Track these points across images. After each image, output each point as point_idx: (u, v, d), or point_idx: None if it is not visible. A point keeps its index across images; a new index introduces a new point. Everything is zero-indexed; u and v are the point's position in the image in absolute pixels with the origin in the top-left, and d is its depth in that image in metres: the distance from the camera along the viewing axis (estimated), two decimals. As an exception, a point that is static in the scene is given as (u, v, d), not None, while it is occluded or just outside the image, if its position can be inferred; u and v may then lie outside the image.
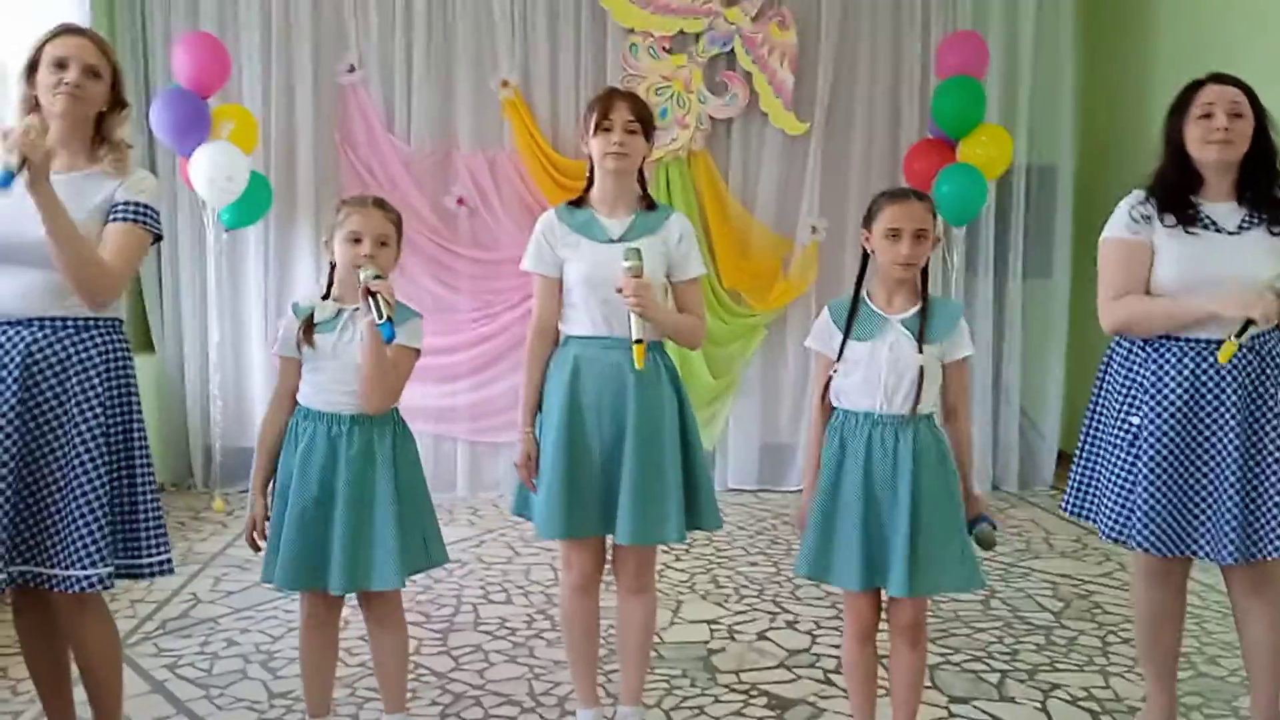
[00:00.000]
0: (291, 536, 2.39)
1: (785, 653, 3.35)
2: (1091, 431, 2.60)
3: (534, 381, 2.60)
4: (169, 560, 2.35)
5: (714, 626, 3.57)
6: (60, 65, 2.24)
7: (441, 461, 5.44)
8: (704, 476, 2.62)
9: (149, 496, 2.32)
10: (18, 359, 2.19)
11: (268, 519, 2.48)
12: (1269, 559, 2.35)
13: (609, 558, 2.66)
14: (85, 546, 2.17)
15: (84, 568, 2.17)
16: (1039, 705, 2.96)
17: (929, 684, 3.03)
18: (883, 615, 2.49)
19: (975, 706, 2.95)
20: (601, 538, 2.60)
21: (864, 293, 2.48)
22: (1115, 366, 2.55)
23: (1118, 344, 2.56)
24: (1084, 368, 5.90)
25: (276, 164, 5.31)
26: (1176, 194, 2.44)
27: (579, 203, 2.62)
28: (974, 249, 5.60)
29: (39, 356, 2.20)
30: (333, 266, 2.52)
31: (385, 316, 2.28)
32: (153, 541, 2.32)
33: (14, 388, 2.18)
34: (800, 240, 5.56)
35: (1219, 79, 2.46)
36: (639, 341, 2.40)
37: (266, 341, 5.33)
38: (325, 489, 2.39)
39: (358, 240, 2.42)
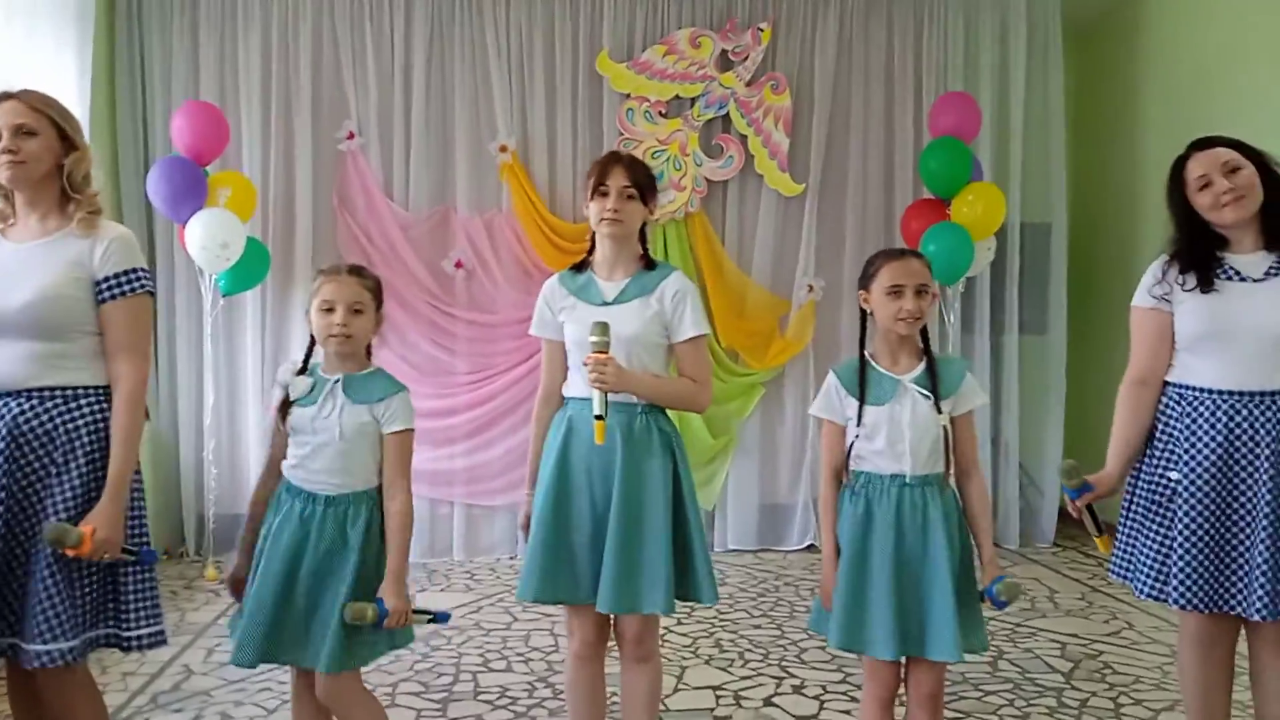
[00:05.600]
0: (251, 609, 2.34)
1: (792, 719, 3.27)
2: (1134, 490, 2.59)
3: (537, 444, 2.62)
4: (160, 632, 2.30)
5: (719, 693, 3.50)
6: None
7: (438, 525, 5.38)
8: (699, 546, 2.54)
9: (133, 567, 2.26)
10: (4, 431, 2.16)
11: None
12: None
13: (612, 625, 2.61)
14: (47, 620, 2.12)
15: (44, 642, 2.11)
16: (1054, 771, 2.90)
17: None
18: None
19: (988, 773, 2.89)
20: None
21: (869, 356, 2.47)
22: (1157, 423, 2.54)
23: (1156, 400, 2.56)
24: (1082, 423, 5.91)
25: (275, 230, 5.32)
26: (1197, 258, 2.45)
27: (582, 266, 2.63)
28: (970, 306, 5.63)
29: (25, 429, 2.17)
30: (312, 340, 2.49)
31: (429, 617, 2.39)
32: (141, 612, 2.26)
33: (0, 460, 2.15)
34: (797, 299, 5.57)
35: (1201, 145, 2.49)
36: (599, 417, 2.37)
37: (261, 407, 5.30)
38: (289, 567, 2.34)
39: (330, 309, 2.40)
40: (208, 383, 5.18)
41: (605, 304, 2.54)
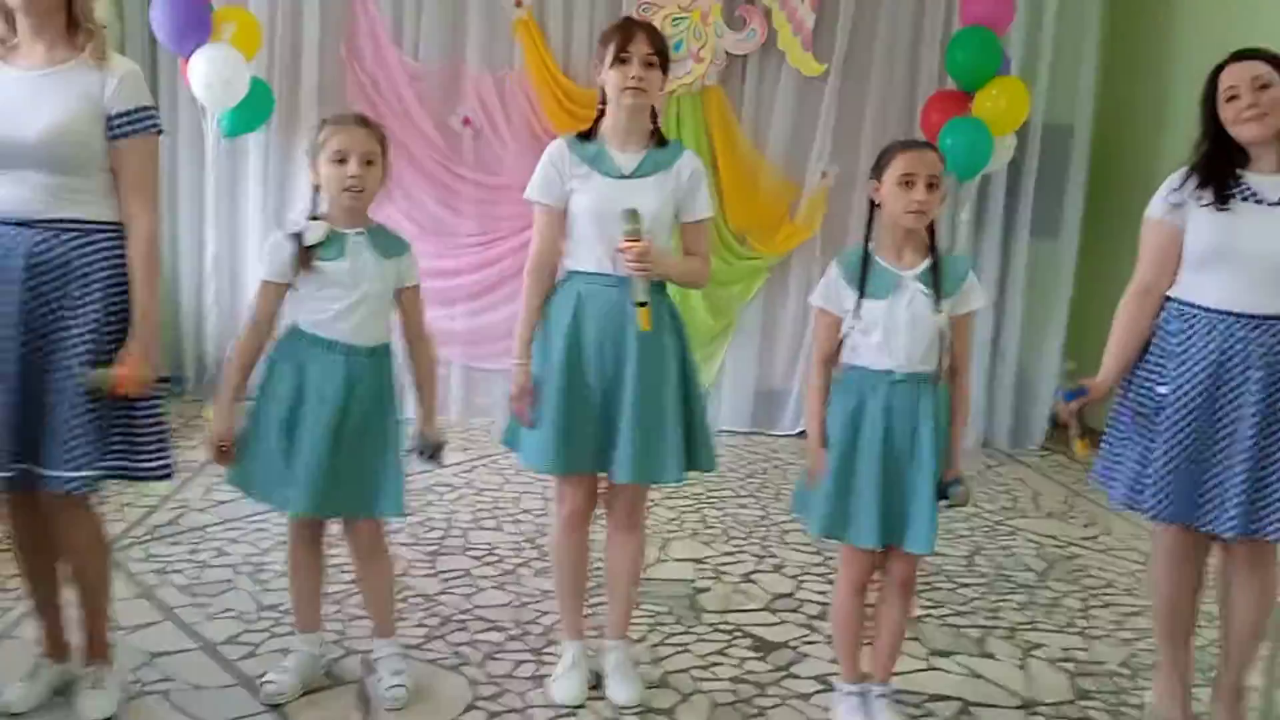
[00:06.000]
0: (282, 458, 2.37)
1: (770, 596, 3.37)
2: (1123, 400, 2.60)
3: (531, 314, 2.54)
4: (168, 465, 2.34)
5: (700, 566, 3.60)
6: None
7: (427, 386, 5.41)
8: (701, 419, 2.59)
9: (148, 400, 2.29)
10: (21, 260, 2.16)
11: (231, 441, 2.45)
12: (1268, 539, 2.36)
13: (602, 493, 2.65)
14: (72, 449, 2.16)
15: (69, 469, 2.16)
16: (1019, 663, 3.00)
17: (911, 636, 3.06)
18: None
19: (955, 660, 2.98)
20: (595, 475, 2.59)
21: (871, 248, 2.44)
22: (1153, 334, 2.53)
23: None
24: (1084, 331, 5.91)
25: (280, 72, 5.20)
26: (1217, 171, 2.41)
27: (589, 135, 2.56)
28: (984, 206, 5.55)
29: (42, 259, 2.17)
30: (316, 188, 2.45)
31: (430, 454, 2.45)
32: (151, 445, 2.30)
33: (18, 289, 2.15)
34: (809, 185, 5.49)
35: (1239, 56, 2.42)
36: (643, 304, 2.38)
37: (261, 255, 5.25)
38: (340, 417, 2.37)
39: (342, 160, 2.35)
40: (209, 227, 5.15)
41: (623, 177, 2.49)
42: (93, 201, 2.22)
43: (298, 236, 2.40)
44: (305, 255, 2.39)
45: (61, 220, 2.19)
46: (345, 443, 2.38)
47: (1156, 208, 2.51)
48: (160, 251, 2.31)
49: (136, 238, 2.25)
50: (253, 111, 4.90)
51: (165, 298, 5.32)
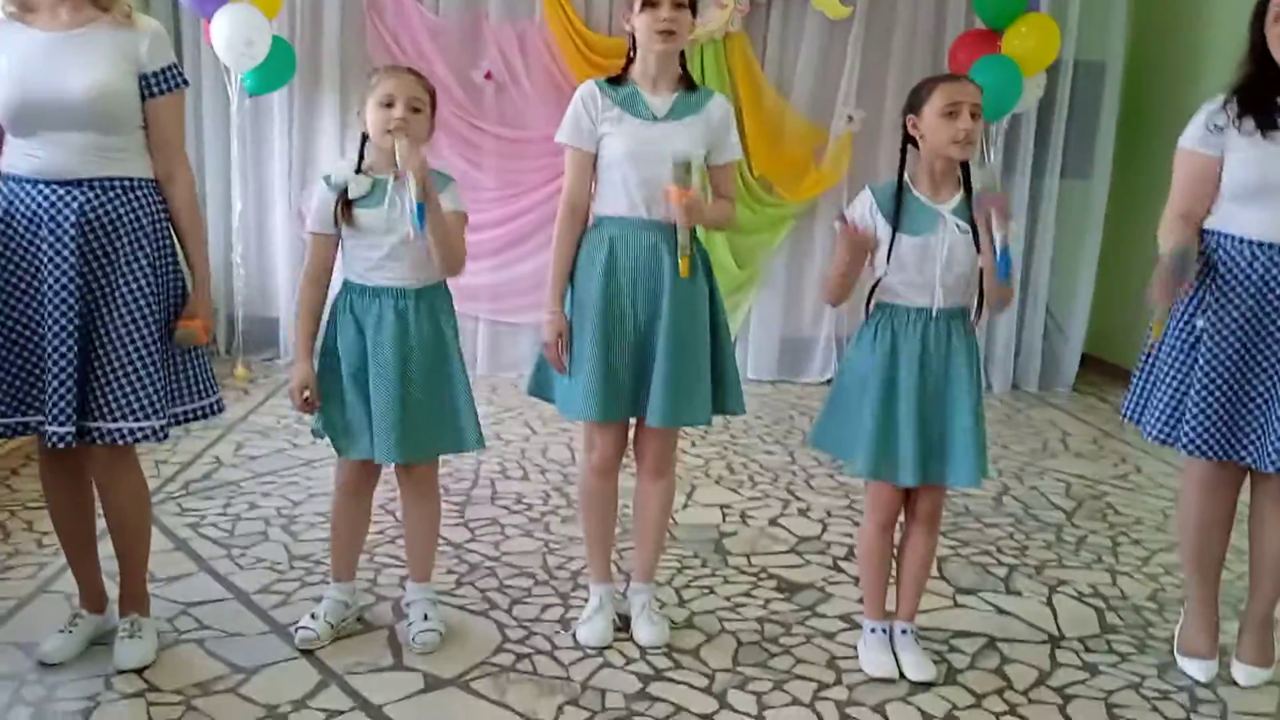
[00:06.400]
0: (362, 408, 2.43)
1: (796, 538, 3.39)
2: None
3: (564, 260, 2.53)
4: (220, 399, 2.45)
5: (727, 511, 3.62)
6: None
7: (462, 339, 5.43)
8: (730, 362, 2.60)
9: (197, 348, 2.39)
10: (73, 218, 2.20)
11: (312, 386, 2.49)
12: None
13: (631, 441, 2.66)
14: (141, 400, 2.23)
15: (138, 419, 2.23)
16: (1044, 600, 3.00)
17: (937, 574, 3.07)
18: None
19: (981, 598, 2.99)
20: (626, 422, 2.60)
21: (908, 181, 2.41)
22: None
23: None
24: (1115, 271, 5.84)
25: (302, 30, 5.19)
26: (1259, 97, 2.34)
27: (619, 79, 2.54)
28: (1013, 145, 5.47)
29: (92, 217, 2.21)
30: (364, 139, 2.47)
31: (417, 203, 2.27)
32: (205, 386, 2.41)
33: (72, 246, 2.20)
34: (835, 130, 5.42)
35: None
36: (686, 254, 2.39)
37: (290, 211, 5.31)
38: (401, 363, 2.41)
39: (389, 105, 2.37)
40: (235, 186, 5.18)
41: (656, 119, 2.47)
42: (132, 159, 2.27)
43: (342, 188, 2.42)
44: (346, 207, 2.42)
45: (107, 178, 2.23)
46: (413, 387, 2.43)
47: (1191, 137, 2.44)
48: (186, 165, 2.38)
49: (180, 193, 2.34)
50: (275, 70, 4.91)
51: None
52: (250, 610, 2.70)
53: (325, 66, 5.26)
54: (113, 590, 2.51)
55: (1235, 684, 2.53)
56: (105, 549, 2.49)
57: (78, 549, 2.49)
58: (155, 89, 2.27)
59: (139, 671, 2.36)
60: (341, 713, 2.25)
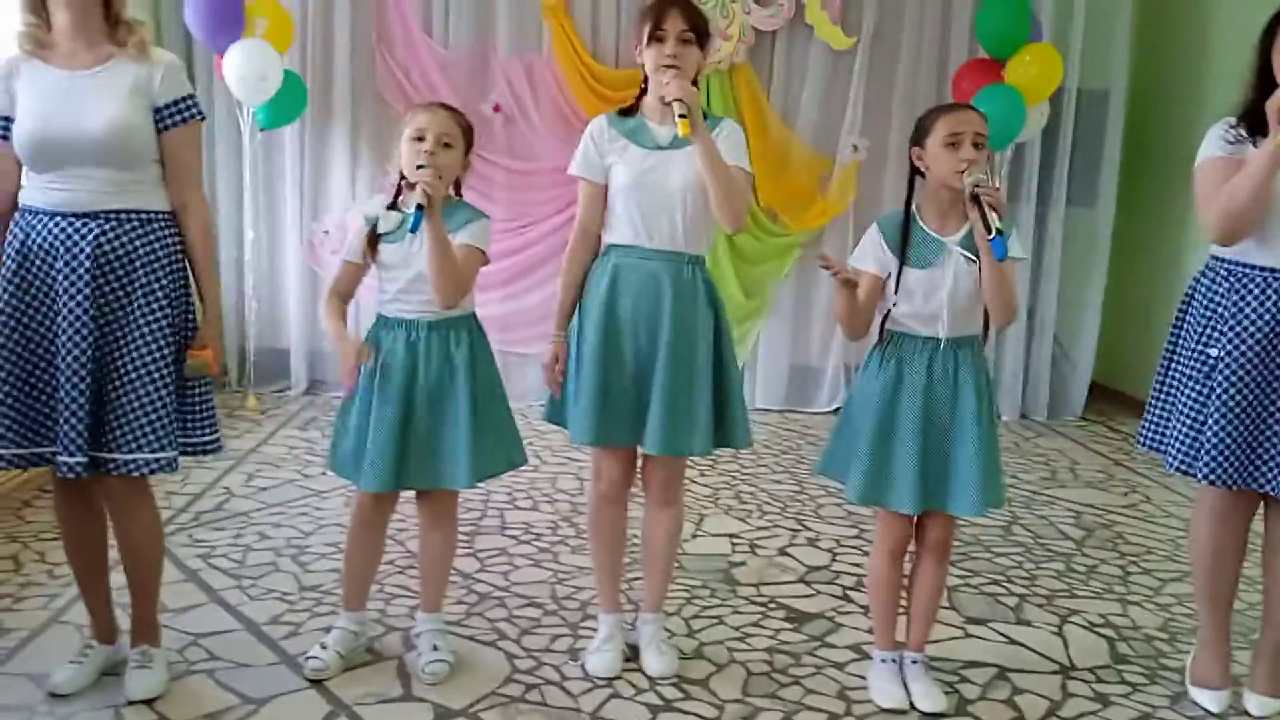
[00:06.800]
0: (371, 438, 2.44)
1: (805, 568, 3.39)
2: (1170, 363, 2.56)
3: (571, 285, 2.59)
4: (218, 439, 2.45)
5: (736, 541, 3.61)
6: None
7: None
8: (737, 394, 2.61)
9: (203, 383, 2.40)
10: (88, 250, 2.23)
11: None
12: None
13: (638, 470, 2.68)
14: (154, 431, 2.25)
15: (152, 451, 2.25)
16: (1055, 630, 2.99)
17: (947, 605, 3.07)
18: None
19: (991, 628, 2.98)
20: (632, 450, 2.62)
21: (915, 212, 2.43)
22: (1198, 298, 2.49)
23: (1201, 275, 2.51)
24: (1122, 299, 5.85)
25: (313, 64, 5.26)
26: (1266, 120, 2.32)
27: (631, 110, 2.58)
28: (1018, 174, 5.49)
29: (107, 249, 2.24)
30: (402, 178, 2.50)
31: (417, 205, 2.28)
32: (205, 420, 2.41)
33: (87, 278, 2.22)
34: (840, 159, 5.46)
35: None
36: (683, 116, 2.34)
37: (301, 244, 5.36)
38: (405, 394, 2.44)
39: (420, 139, 2.41)
40: (247, 218, 5.23)
41: (660, 148, 2.50)
42: (149, 192, 2.30)
43: (374, 222, 2.47)
44: (372, 241, 2.46)
45: (123, 211, 2.26)
46: (414, 419, 2.45)
47: (1215, 146, 2.42)
48: (201, 197, 2.41)
49: (195, 225, 2.37)
50: (287, 104, 4.97)
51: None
52: (260, 641, 2.71)
53: (337, 100, 5.32)
54: (124, 621, 2.52)
55: (1248, 714, 2.51)
56: (117, 580, 2.50)
57: (90, 580, 2.50)
58: (169, 121, 2.30)
59: (150, 702, 2.36)
60: (351, 744, 2.25)
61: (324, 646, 2.56)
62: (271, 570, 3.18)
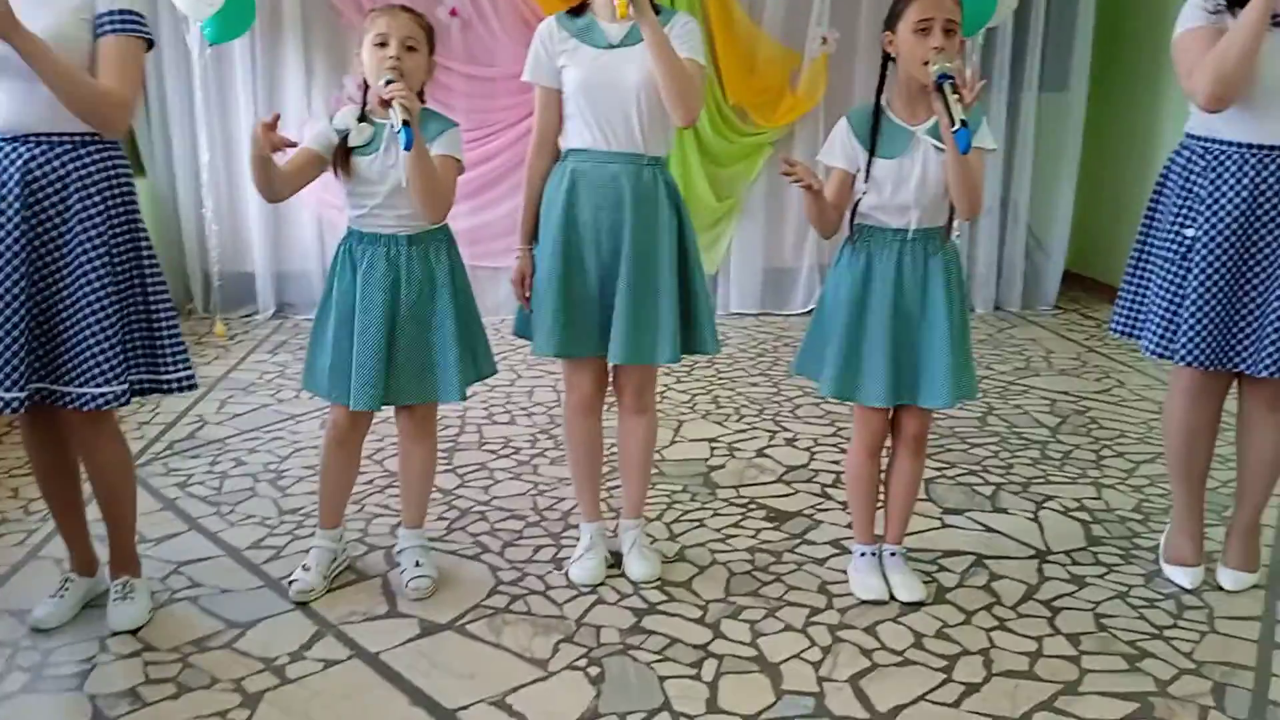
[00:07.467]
0: (348, 352, 2.41)
1: (784, 468, 3.41)
2: (1144, 247, 2.54)
3: (533, 197, 2.54)
4: (192, 376, 2.37)
5: (714, 444, 3.63)
6: None
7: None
8: (703, 299, 2.57)
9: (165, 313, 2.32)
10: (16, 175, 2.14)
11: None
12: None
13: (610, 379, 2.66)
14: (99, 364, 2.18)
15: (97, 385, 2.18)
16: (1031, 516, 3.03)
17: (924, 496, 3.10)
18: None
19: (968, 517, 3.02)
20: (602, 359, 2.59)
21: (884, 104, 2.37)
22: (1173, 178, 2.46)
23: (1176, 154, 2.47)
24: (1095, 187, 5.81)
25: (259, -26, 5.06)
26: None
27: (580, 10, 2.49)
28: (989, 60, 5.39)
29: (38, 174, 2.15)
30: (365, 86, 2.42)
31: (402, 122, 2.21)
32: (174, 357, 2.33)
33: (16, 205, 2.13)
34: (809, 53, 5.34)
35: None
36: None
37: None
38: (389, 310, 2.41)
39: (383, 44, 2.33)
40: (201, 139, 5.08)
41: (611, 46, 2.43)
42: None
43: (344, 133, 2.38)
44: (345, 156, 2.39)
45: (56, 134, 2.16)
46: (399, 335, 2.42)
47: (1195, 16, 2.35)
48: (104, 107, 2.12)
49: (100, 86, 2.13)
50: (235, 17, 4.78)
51: (166, 218, 5.33)
52: (242, 566, 2.71)
53: (286, 10, 5.13)
54: (103, 553, 2.51)
55: (1221, 589, 2.57)
56: (94, 512, 2.47)
57: (65, 514, 2.48)
58: (105, 27, 2.17)
59: (134, 632, 2.36)
60: (339, 661, 2.26)
61: (306, 569, 2.56)
62: (250, 495, 3.17)
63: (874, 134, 2.35)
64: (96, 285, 2.18)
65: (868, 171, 2.35)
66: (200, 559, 2.74)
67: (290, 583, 2.53)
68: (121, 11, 2.19)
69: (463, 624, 2.42)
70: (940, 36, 2.25)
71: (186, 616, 2.45)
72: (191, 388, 2.37)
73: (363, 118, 2.41)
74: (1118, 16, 5.64)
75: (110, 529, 2.45)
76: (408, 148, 2.23)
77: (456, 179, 2.44)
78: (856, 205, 2.40)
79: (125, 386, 2.22)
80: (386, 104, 2.29)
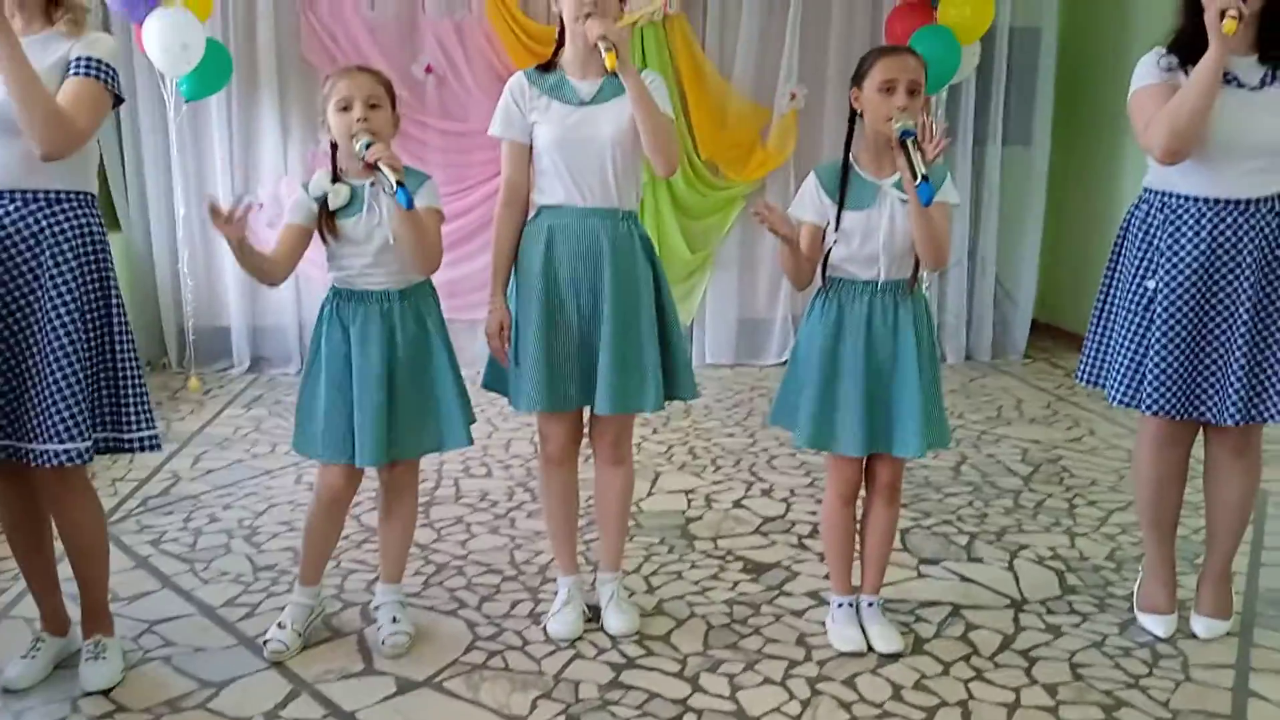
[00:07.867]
0: (344, 412, 2.41)
1: (760, 519, 3.42)
2: (1107, 298, 2.60)
3: (504, 251, 2.55)
4: (155, 436, 2.34)
5: (691, 496, 3.63)
6: None
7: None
8: (680, 347, 2.61)
9: (132, 371, 2.30)
10: None
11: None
12: (1269, 422, 2.40)
13: (586, 430, 2.67)
14: (63, 421, 2.16)
15: (61, 442, 2.16)
16: (1006, 565, 3.05)
17: (900, 547, 3.12)
18: None
19: (944, 567, 3.03)
20: (578, 411, 2.61)
21: (852, 159, 2.43)
22: (1133, 231, 2.52)
23: (1136, 207, 2.53)
24: (1060, 237, 5.93)
25: (236, 31, 5.11)
26: (1196, 49, 2.34)
27: (549, 66, 2.54)
28: (954, 115, 5.51)
29: (11, 230, 2.15)
30: (334, 147, 2.45)
31: (396, 183, 2.24)
32: (138, 416, 2.30)
33: None
34: (779, 108, 5.44)
35: None
36: (610, 49, 2.32)
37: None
38: (387, 364, 2.42)
39: (347, 108, 2.35)
40: (177, 194, 5.09)
41: (583, 104, 2.47)
42: (59, 170, 2.19)
43: (321, 198, 2.40)
44: (329, 220, 2.40)
45: (30, 191, 2.17)
46: (398, 389, 2.43)
47: (1149, 74, 2.43)
48: (54, 122, 2.09)
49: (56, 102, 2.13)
50: (212, 73, 4.82)
51: (141, 272, 5.32)
52: (216, 624, 2.68)
53: (262, 67, 5.18)
54: (75, 612, 2.47)
55: (1195, 637, 2.59)
56: (66, 570, 2.44)
57: (36, 572, 2.45)
58: (72, 71, 2.18)
59: (106, 692, 2.33)
60: (315, 722, 2.24)
61: (282, 626, 2.53)
62: (224, 553, 3.13)
63: (843, 187, 2.41)
64: (66, 344, 2.17)
65: (838, 223, 2.40)
66: (173, 617, 2.71)
67: (265, 641, 2.51)
68: (91, 59, 2.21)
69: (440, 681, 2.40)
70: (904, 96, 2.32)
71: (160, 676, 2.42)
72: (155, 448, 2.34)
73: (335, 178, 2.44)
74: (1078, 72, 5.80)
75: (82, 587, 2.42)
76: (410, 206, 2.27)
77: (440, 227, 2.47)
78: (827, 257, 2.45)
79: (89, 443, 2.20)
80: (371, 167, 2.31)
